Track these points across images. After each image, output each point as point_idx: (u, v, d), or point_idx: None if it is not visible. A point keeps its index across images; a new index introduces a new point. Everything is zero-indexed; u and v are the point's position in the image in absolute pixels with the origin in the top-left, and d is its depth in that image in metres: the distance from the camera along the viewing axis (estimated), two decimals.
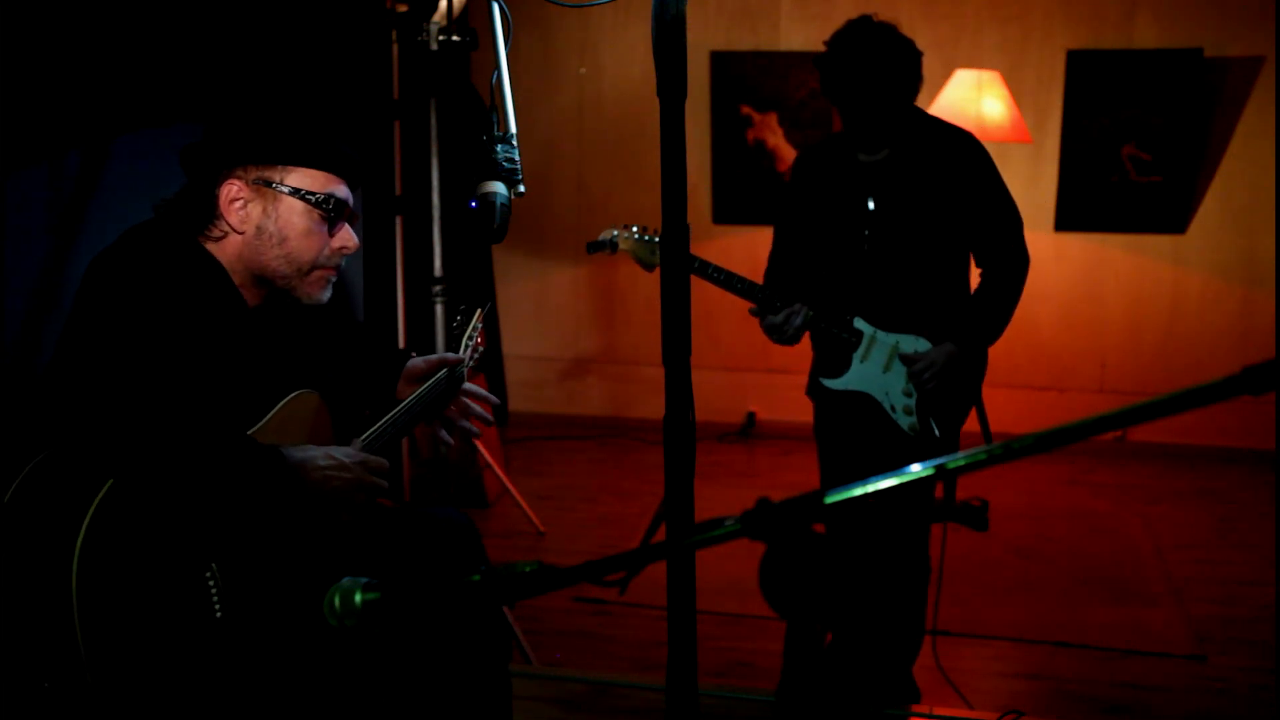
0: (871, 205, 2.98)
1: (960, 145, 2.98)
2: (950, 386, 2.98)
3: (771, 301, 2.98)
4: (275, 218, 2.03)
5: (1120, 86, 5.47)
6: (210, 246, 2.04)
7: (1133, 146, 5.50)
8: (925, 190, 2.96)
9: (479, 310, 2.64)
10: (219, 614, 1.87)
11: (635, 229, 3.11)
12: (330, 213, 2.06)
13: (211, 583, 1.87)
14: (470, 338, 2.58)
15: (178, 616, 1.83)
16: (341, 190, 2.09)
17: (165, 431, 1.81)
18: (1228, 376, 1.00)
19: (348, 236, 2.11)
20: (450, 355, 2.45)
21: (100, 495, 1.78)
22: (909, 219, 2.97)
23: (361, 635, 2.08)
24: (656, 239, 3.06)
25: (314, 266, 2.09)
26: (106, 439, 1.79)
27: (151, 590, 1.81)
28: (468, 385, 2.48)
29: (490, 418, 2.53)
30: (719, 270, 2.98)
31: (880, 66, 2.86)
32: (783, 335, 2.98)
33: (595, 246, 3.15)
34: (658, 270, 2.99)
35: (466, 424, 2.48)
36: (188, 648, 1.84)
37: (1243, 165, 5.51)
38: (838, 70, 2.90)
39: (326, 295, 2.14)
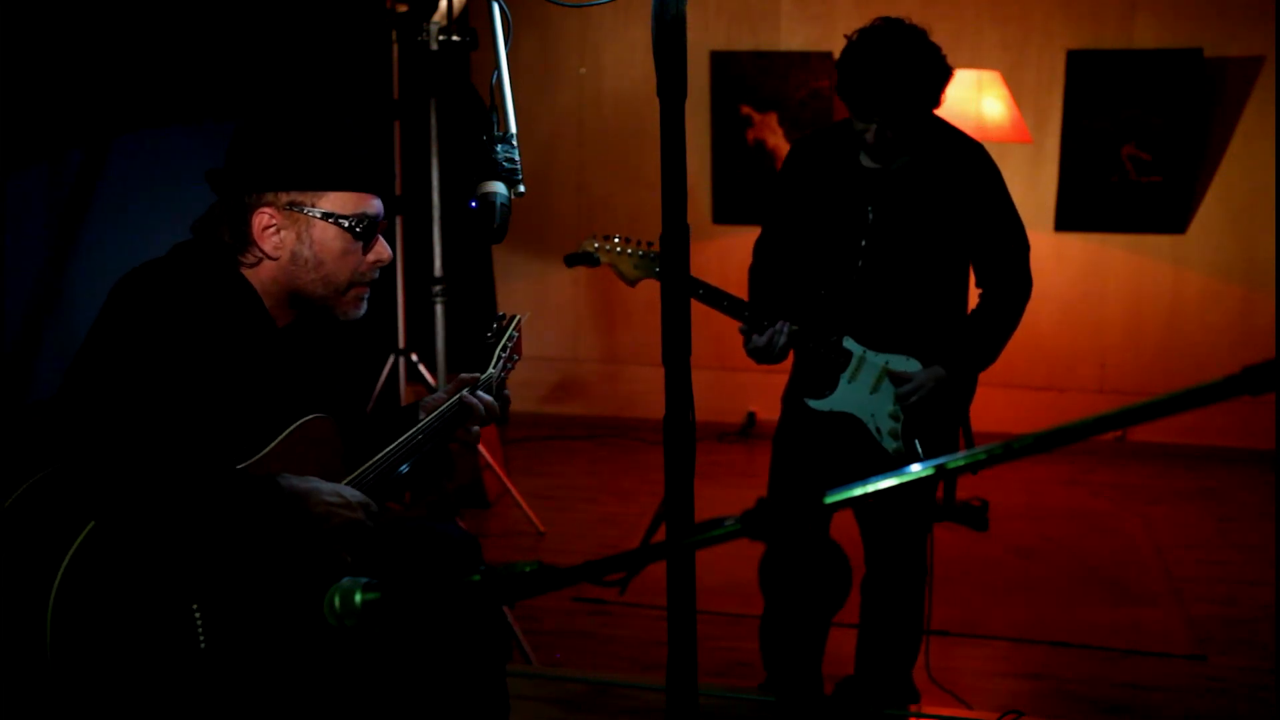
0: (871, 214, 2.85)
1: (970, 158, 2.85)
2: (936, 410, 2.89)
3: (759, 320, 2.84)
4: (310, 243, 2.01)
5: (1120, 86, 5.47)
6: (245, 270, 2.03)
7: (1133, 146, 5.50)
8: (930, 203, 2.84)
9: (518, 319, 2.52)
10: (204, 644, 1.86)
11: (616, 240, 2.94)
12: (364, 233, 2.05)
13: (197, 614, 1.86)
14: (504, 348, 2.45)
15: (160, 649, 1.82)
16: (373, 206, 2.07)
17: (149, 466, 1.80)
18: (1228, 376, 1.00)
19: (382, 249, 2.10)
20: (465, 375, 2.36)
21: (86, 530, 1.77)
22: (910, 232, 2.84)
23: (359, 638, 2.07)
24: (639, 251, 2.92)
25: (351, 284, 2.07)
26: (94, 468, 1.78)
27: (132, 624, 1.80)
28: (483, 395, 2.33)
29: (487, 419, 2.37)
30: (705, 286, 2.84)
31: (915, 76, 2.68)
32: (769, 356, 2.86)
33: (574, 260, 2.97)
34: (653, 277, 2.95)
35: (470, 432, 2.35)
36: (170, 680, 1.82)
37: (1243, 165, 5.51)
38: (866, 73, 2.69)
39: (361, 312, 2.12)
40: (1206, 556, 4.53)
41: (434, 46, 3.78)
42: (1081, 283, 5.63)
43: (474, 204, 1.88)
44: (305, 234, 2.01)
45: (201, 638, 1.86)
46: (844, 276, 2.90)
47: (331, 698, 2.08)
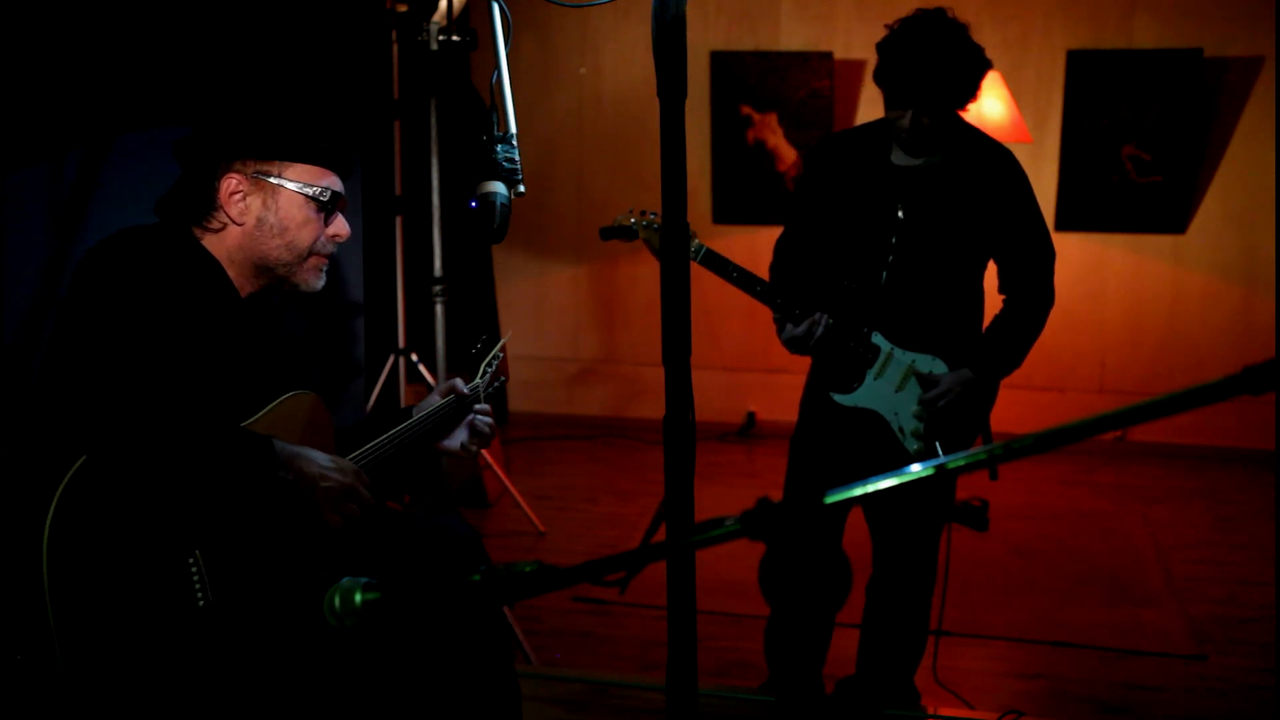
0: (901, 213, 2.84)
1: (1001, 163, 2.85)
2: (961, 414, 2.89)
3: (791, 309, 2.84)
4: (275, 209, 2.09)
5: (1120, 86, 5.47)
6: (208, 239, 2.09)
7: (1133, 146, 5.50)
8: (960, 204, 2.84)
9: (502, 341, 2.63)
10: (201, 602, 1.88)
11: (655, 215, 2.90)
12: (326, 203, 2.13)
13: (194, 570, 1.88)
14: (490, 364, 2.56)
15: (155, 602, 1.84)
16: (335, 182, 2.16)
17: (153, 416, 1.82)
18: (1228, 376, 1.00)
19: (341, 225, 2.18)
20: (459, 383, 2.43)
21: (68, 476, 1.79)
22: (940, 233, 2.85)
23: (363, 636, 2.08)
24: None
25: (311, 253, 2.14)
26: (91, 423, 1.80)
27: (127, 573, 1.82)
28: (479, 407, 2.45)
29: (488, 436, 2.48)
30: (739, 270, 2.86)
31: (955, 62, 2.70)
32: (804, 347, 2.86)
33: (610, 233, 2.97)
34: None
35: (467, 442, 2.44)
36: (166, 633, 1.84)
37: (1243, 165, 5.51)
38: (908, 57, 2.69)
39: (321, 283, 2.19)
40: (1206, 556, 4.53)
41: (434, 46, 3.78)
42: (1081, 283, 5.64)
43: (474, 204, 1.89)
44: (271, 200, 2.09)
45: (199, 596, 1.88)
46: (872, 274, 2.90)
47: (340, 691, 2.09)
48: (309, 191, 2.10)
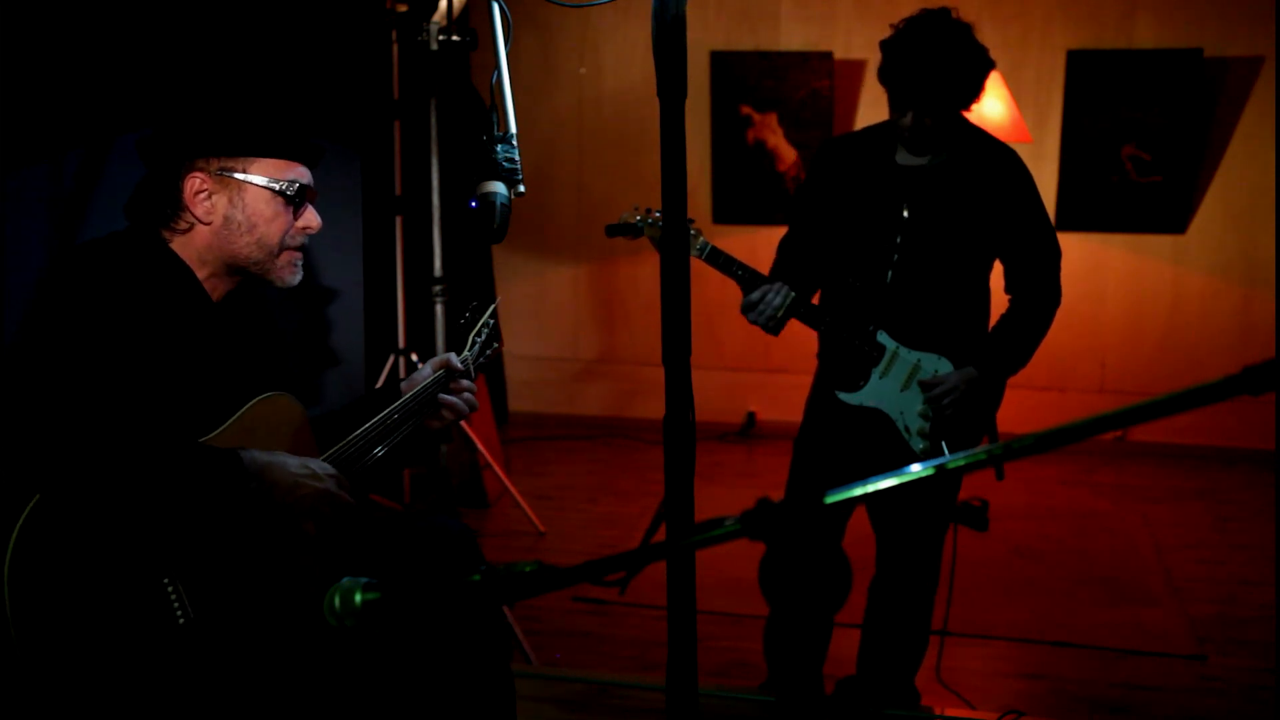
0: (906, 213, 2.85)
1: (1005, 163, 2.86)
2: (967, 412, 2.89)
3: (757, 283, 2.83)
4: (242, 207, 2.05)
5: (1120, 86, 5.47)
6: (176, 241, 2.06)
7: (1133, 146, 5.50)
8: (966, 204, 2.84)
9: (491, 306, 2.57)
10: (182, 620, 1.86)
11: (659, 214, 2.83)
12: (294, 197, 2.09)
13: (171, 589, 1.86)
14: (479, 334, 2.50)
15: (131, 625, 1.81)
16: (303, 174, 2.12)
17: (104, 439, 1.79)
18: (1228, 376, 1.00)
19: (311, 217, 2.14)
20: (453, 357, 2.39)
21: (29, 507, 1.76)
22: (945, 232, 2.85)
23: (360, 636, 2.07)
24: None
25: (282, 248, 2.11)
26: (44, 445, 1.77)
27: (98, 599, 1.80)
28: (465, 383, 2.39)
29: (462, 409, 2.40)
30: (743, 267, 2.85)
31: (958, 62, 2.71)
32: (760, 315, 2.81)
33: (616, 230, 2.96)
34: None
35: (451, 408, 2.37)
36: (147, 655, 1.82)
37: (1243, 165, 5.51)
38: (910, 57, 2.71)
39: (297, 278, 2.15)
40: (1206, 556, 4.53)
41: (434, 46, 3.78)
42: (1081, 283, 5.63)
43: (474, 204, 1.88)
44: (237, 198, 2.05)
45: (179, 614, 1.86)
46: (877, 273, 2.90)
47: (330, 694, 2.07)
48: (276, 186, 2.06)
